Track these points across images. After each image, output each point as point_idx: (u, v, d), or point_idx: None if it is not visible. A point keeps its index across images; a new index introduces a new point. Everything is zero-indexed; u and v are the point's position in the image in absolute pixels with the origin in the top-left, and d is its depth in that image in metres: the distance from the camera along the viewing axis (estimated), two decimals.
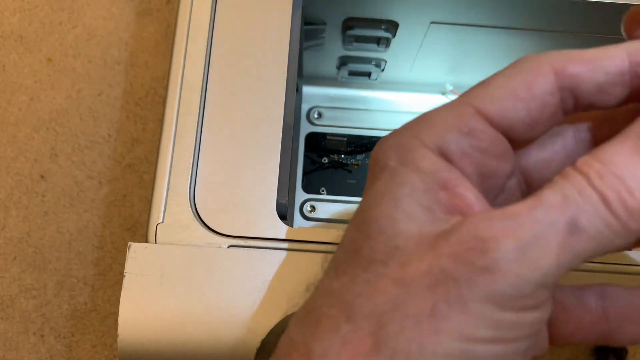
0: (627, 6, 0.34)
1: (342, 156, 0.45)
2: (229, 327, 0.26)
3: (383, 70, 0.44)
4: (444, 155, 0.19)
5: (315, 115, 0.46)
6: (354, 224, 0.20)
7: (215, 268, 0.27)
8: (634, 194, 0.16)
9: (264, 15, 0.32)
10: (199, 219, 0.28)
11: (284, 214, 0.29)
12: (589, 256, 0.17)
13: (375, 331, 0.17)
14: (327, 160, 0.45)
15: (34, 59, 0.47)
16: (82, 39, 0.48)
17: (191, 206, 0.28)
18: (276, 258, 0.27)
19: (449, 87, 0.46)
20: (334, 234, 0.28)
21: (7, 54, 0.48)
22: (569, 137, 0.22)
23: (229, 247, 0.28)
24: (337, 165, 0.45)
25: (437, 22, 0.38)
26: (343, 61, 0.44)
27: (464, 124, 0.19)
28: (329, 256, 0.27)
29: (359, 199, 0.47)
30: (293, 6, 0.32)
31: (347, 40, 0.41)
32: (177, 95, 0.30)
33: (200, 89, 0.31)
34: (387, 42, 0.41)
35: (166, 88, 0.31)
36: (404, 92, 0.47)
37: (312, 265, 0.27)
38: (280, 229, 0.28)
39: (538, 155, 0.21)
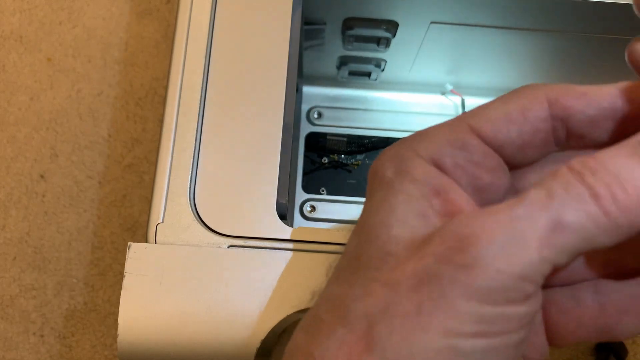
0: (627, 6, 0.34)
1: (342, 156, 0.45)
2: (229, 327, 0.26)
3: (383, 70, 0.44)
4: (438, 166, 0.20)
5: (315, 115, 0.46)
6: (355, 232, 0.21)
7: (215, 268, 0.27)
8: (626, 189, 0.17)
9: (264, 15, 0.32)
10: (199, 219, 0.28)
11: (284, 214, 0.29)
12: (575, 251, 0.17)
13: (368, 332, 0.18)
14: (327, 160, 0.45)
15: (34, 59, 0.47)
16: (81, 38, 0.48)
17: (191, 206, 0.28)
18: (276, 258, 0.27)
19: (449, 87, 0.46)
20: (334, 234, 0.28)
21: (7, 54, 0.48)
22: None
23: (229, 247, 0.28)
24: (337, 165, 0.45)
25: (437, 22, 0.38)
26: (343, 61, 0.44)
27: (458, 138, 0.20)
28: (329, 256, 0.27)
29: (359, 199, 0.47)
30: (293, 6, 0.32)
31: (347, 40, 0.41)
32: (177, 95, 0.30)
33: (200, 89, 0.31)
34: (387, 42, 0.41)
35: (166, 88, 0.31)
36: (404, 92, 0.47)
37: (312, 265, 0.27)
38: (280, 229, 0.28)
39: (534, 178, 0.22)
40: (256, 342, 0.26)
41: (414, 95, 0.47)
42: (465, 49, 0.41)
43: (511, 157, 0.20)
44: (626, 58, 0.20)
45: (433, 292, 0.17)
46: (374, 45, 0.41)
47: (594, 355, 0.42)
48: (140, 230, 0.44)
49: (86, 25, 0.48)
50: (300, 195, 0.44)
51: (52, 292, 0.42)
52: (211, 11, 0.32)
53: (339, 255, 0.27)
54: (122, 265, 0.39)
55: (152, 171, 0.44)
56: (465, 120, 0.20)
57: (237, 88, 0.31)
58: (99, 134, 0.46)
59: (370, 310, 0.18)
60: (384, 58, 0.43)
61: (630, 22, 0.35)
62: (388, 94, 0.47)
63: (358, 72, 0.45)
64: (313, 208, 0.43)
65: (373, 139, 0.46)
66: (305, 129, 0.46)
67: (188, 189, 0.29)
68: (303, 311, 0.26)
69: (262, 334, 0.26)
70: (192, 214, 0.28)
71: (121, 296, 0.26)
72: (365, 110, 0.47)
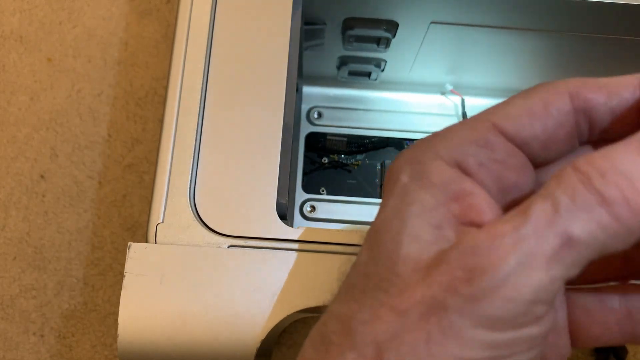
0: (627, 6, 0.34)
1: (342, 156, 0.45)
2: (228, 327, 0.26)
3: (383, 70, 0.44)
4: (461, 167, 0.19)
5: (315, 115, 0.46)
6: (367, 245, 0.20)
7: (215, 268, 0.27)
8: (638, 189, 0.16)
9: (264, 15, 0.32)
10: (199, 219, 0.28)
11: (284, 214, 0.29)
12: (587, 262, 0.17)
13: (378, 358, 0.18)
14: (327, 160, 0.45)
15: (34, 59, 0.47)
16: (82, 38, 0.48)
17: (191, 206, 0.28)
18: (276, 258, 0.27)
19: (449, 87, 0.46)
20: (334, 234, 0.28)
21: (7, 54, 0.48)
22: None
23: (229, 247, 0.28)
24: (337, 165, 0.45)
25: (437, 22, 0.38)
26: (343, 61, 0.44)
27: (480, 137, 0.19)
28: (329, 256, 0.27)
29: (359, 199, 0.47)
30: (293, 6, 0.32)
31: (347, 40, 0.41)
32: (177, 95, 0.30)
33: (200, 89, 0.30)
34: (387, 42, 0.41)
35: (166, 88, 0.31)
36: (404, 92, 0.47)
37: (312, 265, 0.27)
38: (280, 229, 0.28)
39: None
40: (256, 342, 0.26)
41: (414, 95, 0.47)
42: (466, 49, 0.41)
43: (535, 154, 0.20)
44: None
45: (442, 322, 0.17)
46: (374, 46, 0.41)
47: (594, 356, 0.42)
48: (140, 230, 0.44)
49: (86, 25, 0.48)
50: (300, 195, 0.44)
51: (52, 292, 0.42)
52: (211, 11, 0.32)
53: (339, 255, 0.27)
54: (122, 265, 0.39)
55: (152, 171, 0.44)
56: (486, 117, 0.20)
57: (237, 88, 0.31)
58: (99, 134, 0.46)
59: (380, 337, 0.18)
60: (384, 58, 0.43)
61: (630, 22, 0.35)
62: (388, 94, 0.47)
63: (358, 72, 0.45)
64: (313, 208, 0.43)
65: (373, 139, 0.46)
66: (305, 129, 0.46)
67: (188, 189, 0.29)
68: (303, 311, 0.26)
69: (262, 334, 0.26)
70: (192, 214, 0.28)
71: (121, 296, 0.26)
72: (365, 110, 0.47)
